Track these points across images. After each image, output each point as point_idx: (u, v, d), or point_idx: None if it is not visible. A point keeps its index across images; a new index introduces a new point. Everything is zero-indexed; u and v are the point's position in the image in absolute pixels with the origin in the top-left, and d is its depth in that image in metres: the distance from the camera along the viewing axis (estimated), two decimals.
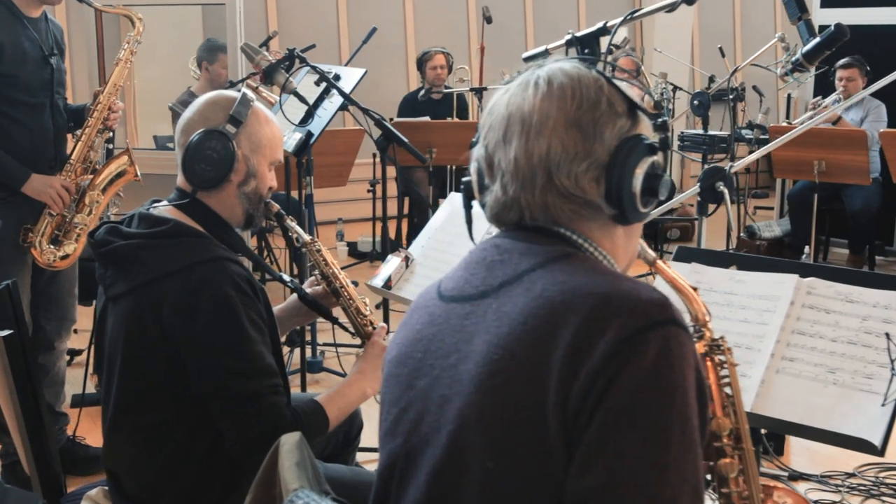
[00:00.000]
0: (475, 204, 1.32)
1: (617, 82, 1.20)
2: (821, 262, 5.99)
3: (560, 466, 1.03)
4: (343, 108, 3.31)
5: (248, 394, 1.81)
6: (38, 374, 1.92)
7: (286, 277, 2.23)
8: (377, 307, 4.29)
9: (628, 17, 1.85)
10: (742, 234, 6.24)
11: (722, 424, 1.33)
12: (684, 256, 2.02)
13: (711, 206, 2.30)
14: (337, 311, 2.28)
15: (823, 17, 6.17)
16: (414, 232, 5.98)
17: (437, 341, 1.19)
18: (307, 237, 2.20)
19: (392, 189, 5.69)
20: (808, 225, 5.58)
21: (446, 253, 2.53)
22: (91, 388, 3.52)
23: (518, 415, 1.06)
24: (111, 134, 3.18)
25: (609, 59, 2.23)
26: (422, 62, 6.34)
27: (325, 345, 4.30)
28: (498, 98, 1.24)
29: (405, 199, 6.33)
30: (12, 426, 1.86)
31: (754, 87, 7.04)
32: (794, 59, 2.72)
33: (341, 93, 2.89)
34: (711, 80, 6.57)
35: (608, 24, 1.85)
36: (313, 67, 2.96)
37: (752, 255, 2.13)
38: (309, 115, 3.01)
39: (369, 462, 3.10)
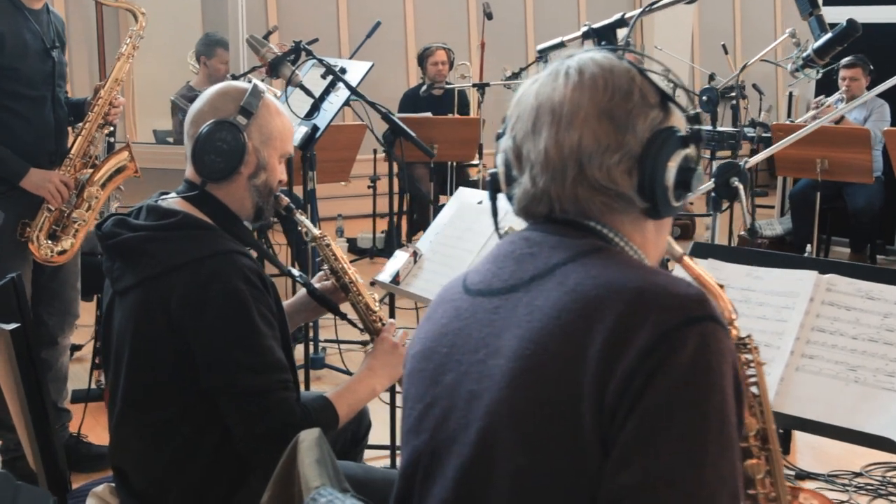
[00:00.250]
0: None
1: (649, 73, 1.18)
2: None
3: (594, 463, 1.01)
4: (346, 102, 3.29)
5: (257, 389, 1.78)
6: (42, 369, 1.90)
7: (295, 272, 2.20)
8: (381, 301, 4.26)
9: (647, 9, 1.83)
10: (743, 233, 6.22)
11: (749, 425, 1.32)
12: (701, 252, 1.99)
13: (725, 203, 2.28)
14: (345, 307, 2.26)
15: (826, 15, 6.13)
16: (413, 229, 5.95)
17: (464, 336, 1.16)
18: (316, 231, 2.17)
19: (394, 185, 5.65)
20: (810, 223, 5.57)
21: (455, 248, 2.51)
22: (92, 384, 3.49)
23: (551, 411, 1.03)
24: (112, 128, 3.15)
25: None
26: (423, 58, 6.31)
27: (326, 341, 4.27)
28: (526, 88, 1.21)
29: (405, 196, 6.30)
30: (18, 421, 1.83)
31: (754, 86, 7.02)
32: (805, 54, 2.69)
33: (348, 86, 2.86)
34: (711, 77, 6.54)
35: (626, 16, 1.82)
36: (320, 60, 2.93)
37: (770, 251, 2.11)
38: (315, 108, 2.98)
39: (374, 460, 3.08)
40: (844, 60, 5.69)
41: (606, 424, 1.00)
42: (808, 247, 5.60)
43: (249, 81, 1.98)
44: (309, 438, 1.21)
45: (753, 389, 1.34)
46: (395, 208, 5.51)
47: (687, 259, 1.34)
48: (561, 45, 1.97)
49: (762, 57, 4.01)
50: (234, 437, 1.80)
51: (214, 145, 1.87)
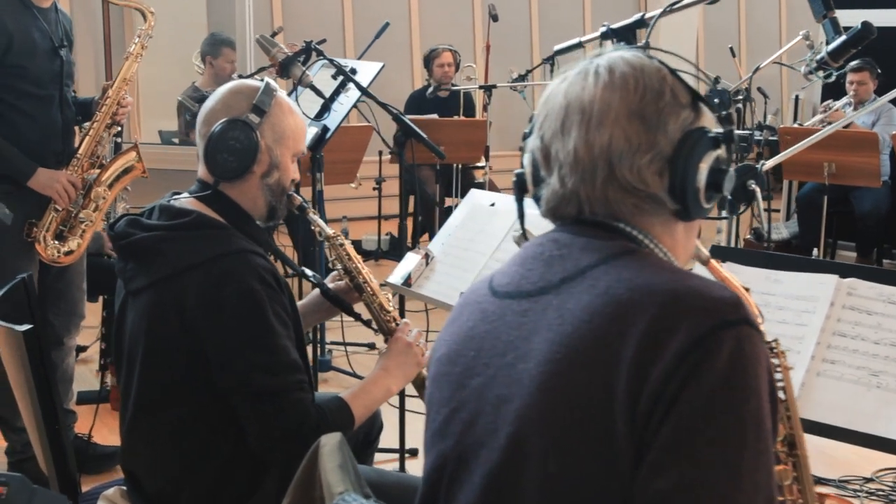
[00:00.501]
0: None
1: (679, 73, 1.16)
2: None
3: (627, 469, 0.99)
4: (356, 103, 3.27)
5: (272, 389, 1.76)
6: (52, 369, 1.88)
7: (308, 272, 2.18)
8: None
9: (667, 9, 1.81)
10: (749, 236, 6.20)
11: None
12: (718, 256, 1.97)
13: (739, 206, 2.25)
14: (358, 307, 2.23)
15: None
16: (418, 231, 5.93)
17: (492, 339, 1.14)
18: (330, 231, 2.15)
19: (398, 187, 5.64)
20: (817, 227, 5.56)
21: (467, 250, 2.49)
22: (96, 385, 3.47)
23: (583, 416, 1.01)
24: (119, 129, 3.13)
25: None
26: (429, 60, 6.30)
27: (333, 343, 4.24)
28: (554, 87, 1.19)
29: (409, 198, 6.29)
30: (29, 423, 1.81)
31: (759, 89, 7.01)
32: (818, 57, 2.67)
33: (359, 87, 2.84)
34: (716, 81, 6.53)
35: (646, 17, 1.80)
36: (331, 61, 2.91)
37: (789, 254, 2.09)
38: (325, 109, 2.96)
39: (381, 463, 3.06)
40: (852, 64, 5.68)
41: (640, 430, 0.98)
42: (815, 251, 5.59)
43: (262, 80, 1.96)
44: (331, 443, 1.19)
45: (780, 394, 1.32)
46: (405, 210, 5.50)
47: (714, 262, 1.32)
48: (579, 45, 1.95)
49: (775, 60, 3.98)
50: (248, 437, 1.78)
51: (227, 144, 1.85)
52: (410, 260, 2.55)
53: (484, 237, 2.47)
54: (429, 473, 1.19)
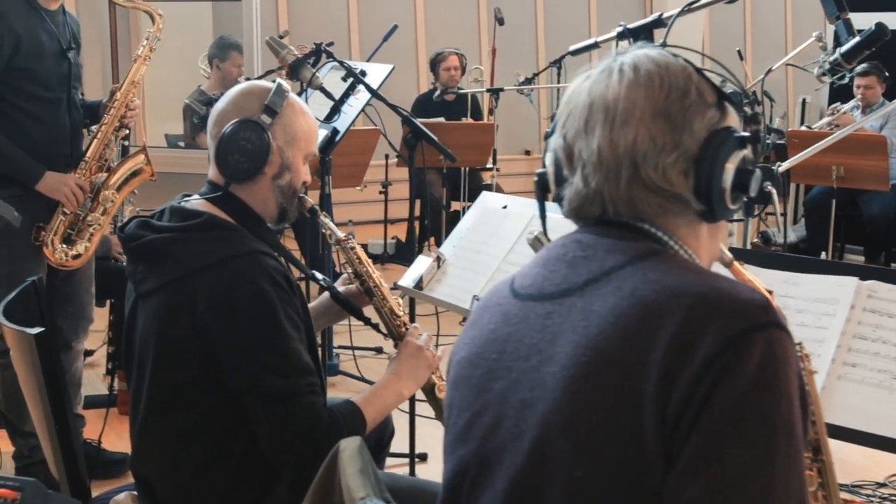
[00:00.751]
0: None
1: (705, 72, 1.14)
2: None
3: (656, 474, 0.97)
4: (366, 105, 3.25)
5: (284, 392, 1.74)
6: (62, 373, 1.86)
7: (318, 275, 2.16)
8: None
9: (685, 9, 1.79)
10: (756, 240, 6.18)
11: None
12: (736, 258, 1.95)
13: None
14: (369, 312, 2.22)
15: None
16: (425, 234, 5.91)
17: (515, 342, 1.12)
18: (341, 234, 2.13)
19: (407, 190, 5.62)
20: (825, 230, 5.53)
21: (480, 253, 2.47)
22: (104, 389, 3.46)
23: (609, 419, 0.99)
24: (127, 131, 3.12)
25: None
26: (435, 63, 6.28)
27: (340, 347, 4.22)
28: (578, 85, 1.17)
29: (416, 202, 6.27)
30: (40, 428, 1.80)
31: (765, 92, 6.98)
32: (832, 58, 2.65)
33: (369, 89, 2.83)
34: (723, 84, 6.51)
35: (663, 17, 1.78)
36: (340, 63, 2.89)
37: (807, 257, 2.07)
38: (335, 111, 2.94)
39: (393, 468, 3.04)
40: (859, 68, 5.65)
41: (669, 434, 0.97)
42: (823, 254, 5.56)
43: (274, 81, 1.95)
44: (350, 447, 1.17)
45: None
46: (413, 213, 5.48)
47: (737, 264, 1.30)
48: (594, 45, 1.94)
49: (787, 62, 3.97)
50: (259, 439, 1.76)
51: (238, 145, 1.84)
52: (422, 263, 2.53)
53: (496, 240, 2.45)
54: (450, 478, 1.17)
